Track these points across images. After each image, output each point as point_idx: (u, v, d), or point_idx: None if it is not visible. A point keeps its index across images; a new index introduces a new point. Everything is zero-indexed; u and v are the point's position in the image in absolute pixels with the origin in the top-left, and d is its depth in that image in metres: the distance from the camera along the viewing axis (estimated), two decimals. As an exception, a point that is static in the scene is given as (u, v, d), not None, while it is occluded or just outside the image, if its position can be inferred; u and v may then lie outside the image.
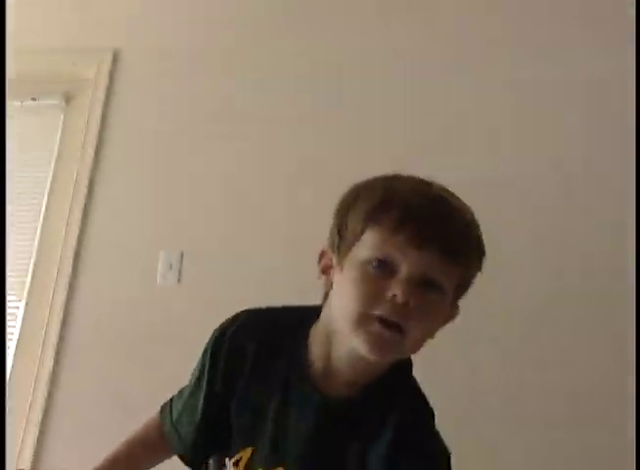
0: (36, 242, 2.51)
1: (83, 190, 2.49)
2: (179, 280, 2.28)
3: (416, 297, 0.87)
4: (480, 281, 0.96)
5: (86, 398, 2.22)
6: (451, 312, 0.96)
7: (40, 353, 2.32)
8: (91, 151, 2.54)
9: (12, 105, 2.68)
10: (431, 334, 0.93)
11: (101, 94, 2.64)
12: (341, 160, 2.28)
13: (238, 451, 0.99)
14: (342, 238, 0.94)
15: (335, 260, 0.95)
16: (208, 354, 1.03)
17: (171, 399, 1.15)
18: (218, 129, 2.48)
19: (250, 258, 2.27)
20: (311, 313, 1.01)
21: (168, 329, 2.22)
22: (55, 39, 2.79)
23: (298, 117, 2.41)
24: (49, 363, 2.29)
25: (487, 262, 0.95)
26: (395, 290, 0.87)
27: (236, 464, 0.99)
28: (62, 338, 2.31)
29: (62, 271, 2.41)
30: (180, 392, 1.13)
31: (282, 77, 2.49)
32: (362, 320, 0.88)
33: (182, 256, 2.30)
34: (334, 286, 0.95)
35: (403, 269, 0.87)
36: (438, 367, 1.71)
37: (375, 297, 0.88)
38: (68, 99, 2.70)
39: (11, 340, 2.39)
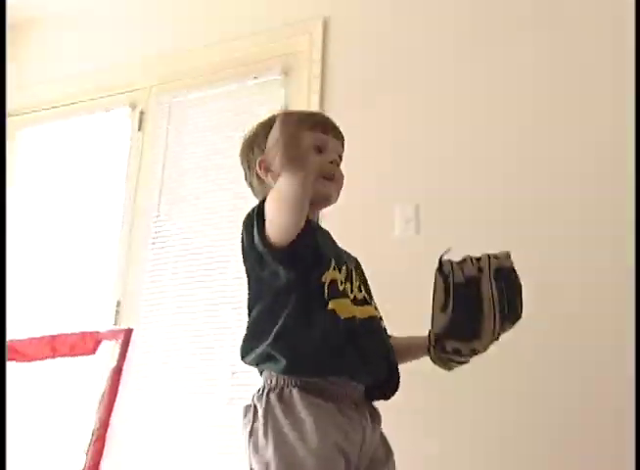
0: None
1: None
2: (417, 232, 2.36)
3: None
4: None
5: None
6: None
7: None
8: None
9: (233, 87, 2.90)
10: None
11: (316, 64, 2.72)
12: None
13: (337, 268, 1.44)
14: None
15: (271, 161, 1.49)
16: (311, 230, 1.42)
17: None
18: (434, 92, 2.52)
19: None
20: None
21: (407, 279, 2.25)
22: (265, 18, 2.92)
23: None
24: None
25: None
26: (331, 157, 1.52)
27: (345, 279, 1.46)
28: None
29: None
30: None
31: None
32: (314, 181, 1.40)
33: (417, 208, 2.38)
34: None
35: (330, 148, 1.53)
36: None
37: (321, 165, 1.49)
38: (286, 72, 2.81)
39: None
